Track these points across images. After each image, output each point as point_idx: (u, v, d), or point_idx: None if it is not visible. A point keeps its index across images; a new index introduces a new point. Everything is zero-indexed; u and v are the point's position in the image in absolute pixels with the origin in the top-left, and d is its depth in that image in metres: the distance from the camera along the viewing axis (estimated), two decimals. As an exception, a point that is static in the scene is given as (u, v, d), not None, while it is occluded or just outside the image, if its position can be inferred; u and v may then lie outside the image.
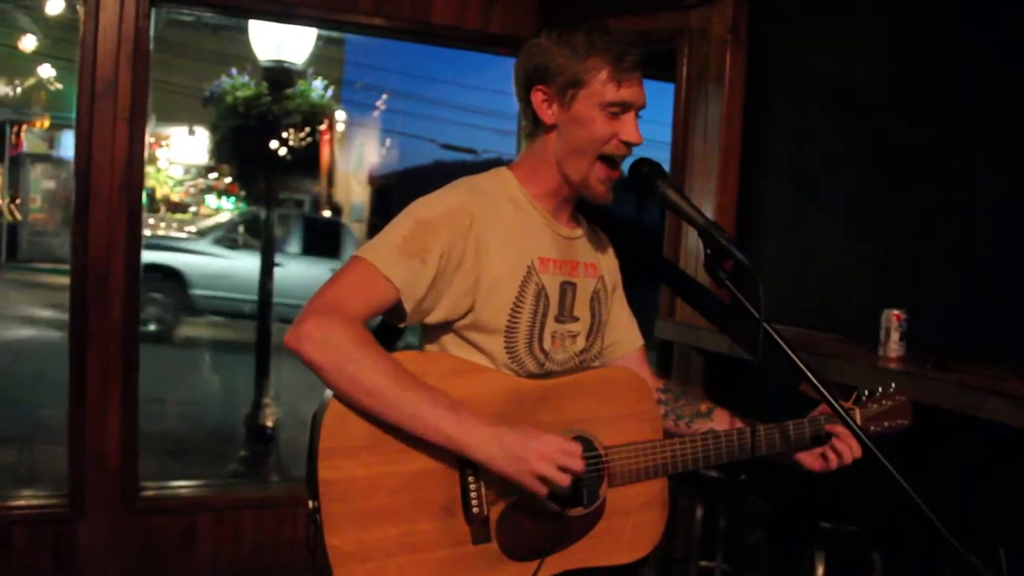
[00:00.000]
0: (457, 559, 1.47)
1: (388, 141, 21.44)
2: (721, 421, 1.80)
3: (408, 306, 1.49)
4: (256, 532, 3.32)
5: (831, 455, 1.71)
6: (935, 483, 1.61)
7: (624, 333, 1.85)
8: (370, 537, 1.41)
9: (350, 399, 1.40)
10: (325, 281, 1.47)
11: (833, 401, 1.51)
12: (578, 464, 1.42)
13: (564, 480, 1.41)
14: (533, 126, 1.63)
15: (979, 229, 2.57)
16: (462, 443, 1.40)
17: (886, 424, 1.81)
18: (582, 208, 1.76)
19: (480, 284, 1.54)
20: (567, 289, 1.66)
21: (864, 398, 1.82)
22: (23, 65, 14.75)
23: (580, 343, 1.69)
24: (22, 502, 3.11)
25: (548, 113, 1.59)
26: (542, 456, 1.39)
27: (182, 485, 3.51)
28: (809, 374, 1.51)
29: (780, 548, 2.89)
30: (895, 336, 2.47)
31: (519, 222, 1.61)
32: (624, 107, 1.57)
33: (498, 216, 1.58)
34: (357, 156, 20.56)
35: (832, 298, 3.06)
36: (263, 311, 5.51)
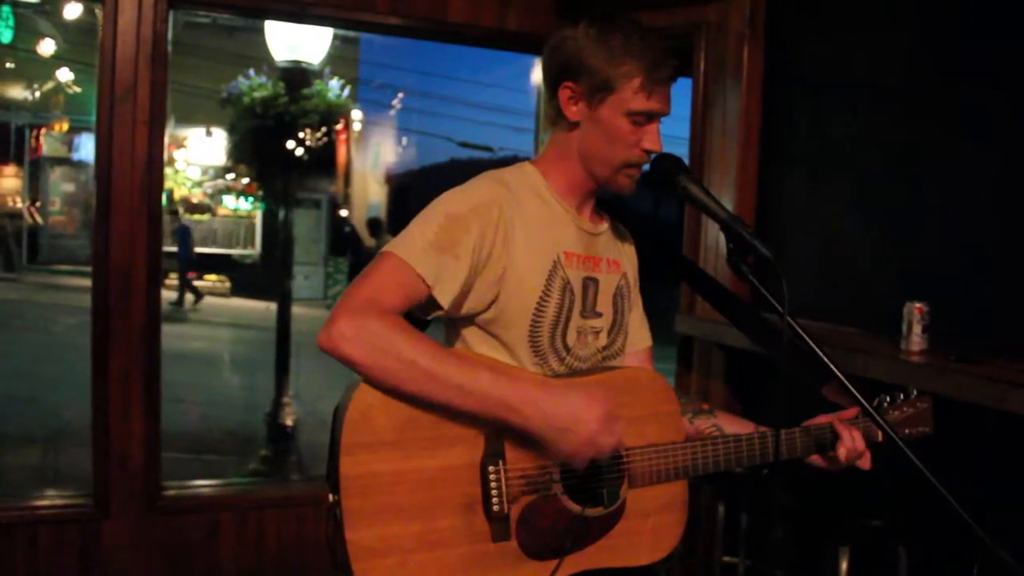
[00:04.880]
0: (476, 556, 1.47)
1: (404, 140, 21.55)
2: (724, 420, 1.81)
3: (442, 301, 1.48)
4: (279, 531, 3.33)
5: (839, 458, 1.70)
6: (961, 477, 1.60)
7: (634, 331, 1.83)
8: (390, 533, 1.40)
9: (393, 387, 1.38)
10: (355, 279, 1.46)
11: (864, 402, 1.51)
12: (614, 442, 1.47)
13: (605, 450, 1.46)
14: (556, 116, 1.63)
15: (1001, 220, 2.54)
16: (515, 410, 1.41)
17: (907, 431, 1.77)
18: (603, 204, 1.76)
19: (506, 277, 1.54)
20: (589, 285, 1.66)
21: (886, 404, 1.78)
22: (42, 69, 14.90)
23: (603, 339, 1.69)
24: (47, 502, 3.13)
25: (573, 110, 1.59)
26: (589, 436, 1.43)
27: (205, 484, 3.53)
28: (836, 370, 1.50)
29: (804, 543, 2.88)
30: (918, 329, 2.44)
31: (544, 216, 1.61)
32: (650, 117, 1.57)
33: (524, 209, 1.58)
34: (374, 155, 20.62)
35: (853, 291, 3.03)
36: (283, 310, 5.54)
